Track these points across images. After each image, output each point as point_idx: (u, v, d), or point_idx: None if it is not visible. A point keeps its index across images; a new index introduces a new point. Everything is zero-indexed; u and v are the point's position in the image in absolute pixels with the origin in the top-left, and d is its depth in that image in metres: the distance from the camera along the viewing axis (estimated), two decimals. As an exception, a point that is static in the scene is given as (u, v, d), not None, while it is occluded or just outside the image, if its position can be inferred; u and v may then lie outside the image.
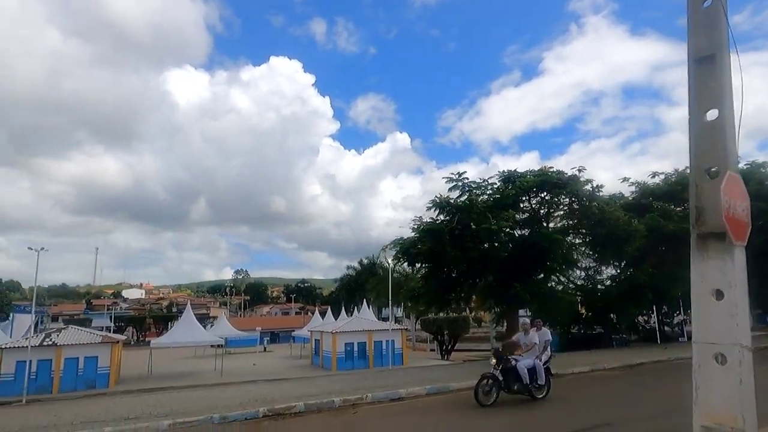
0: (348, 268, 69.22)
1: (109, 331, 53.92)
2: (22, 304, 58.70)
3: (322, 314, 48.83)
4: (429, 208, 21.49)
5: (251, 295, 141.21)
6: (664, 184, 31.01)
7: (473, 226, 19.57)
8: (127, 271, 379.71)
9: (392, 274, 33.15)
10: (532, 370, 11.20)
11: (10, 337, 28.74)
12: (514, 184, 21.91)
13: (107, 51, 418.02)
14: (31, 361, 23.18)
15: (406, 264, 22.92)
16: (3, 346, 23.98)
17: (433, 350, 44.78)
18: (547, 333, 12.23)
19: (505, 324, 25.72)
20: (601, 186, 23.35)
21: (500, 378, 10.99)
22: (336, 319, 39.84)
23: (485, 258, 20.58)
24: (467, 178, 21.68)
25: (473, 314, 58.15)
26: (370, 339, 30.23)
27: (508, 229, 21.33)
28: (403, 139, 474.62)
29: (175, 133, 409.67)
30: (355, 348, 29.95)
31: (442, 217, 21.28)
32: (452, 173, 21.61)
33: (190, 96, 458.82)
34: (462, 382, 14.28)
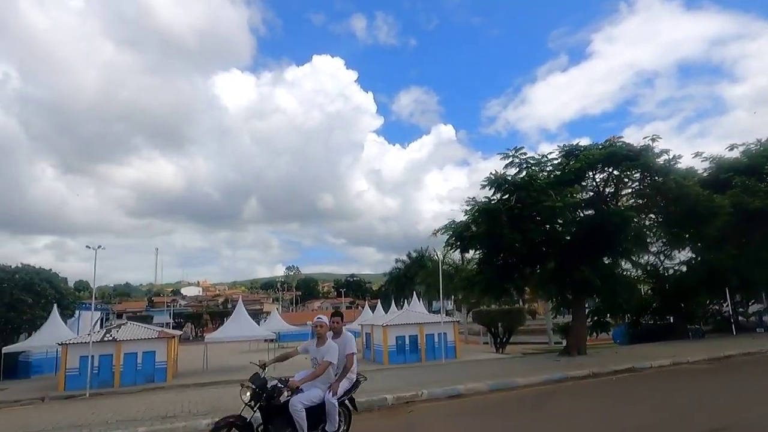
0: (396, 261, 68.59)
1: (169, 327, 56.07)
2: (87, 301, 61.70)
3: (372, 308, 48.47)
4: (483, 186, 19.66)
5: (302, 290, 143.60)
6: (744, 157, 27.85)
7: (534, 205, 17.80)
8: (186, 269, 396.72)
9: (442, 266, 32.20)
10: (316, 410, 6.57)
11: (77, 333, 29.90)
12: (577, 158, 19.73)
13: (158, 59, 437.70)
14: (93, 356, 23.94)
15: (458, 251, 21.15)
16: (67, 342, 24.85)
17: (487, 343, 43.50)
18: (350, 340, 7.38)
19: (569, 314, 23.95)
20: (679, 157, 20.34)
21: (256, 423, 6.38)
22: (386, 313, 39.24)
23: (547, 240, 18.79)
24: (525, 153, 19.61)
25: (527, 306, 56.27)
26: (422, 332, 29.43)
27: (572, 207, 19.27)
28: (447, 131, 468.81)
29: (225, 135, 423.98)
30: (407, 341, 29.23)
31: (498, 196, 19.49)
32: (508, 149, 19.69)
33: (238, 98, 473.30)
34: (529, 378, 13.08)
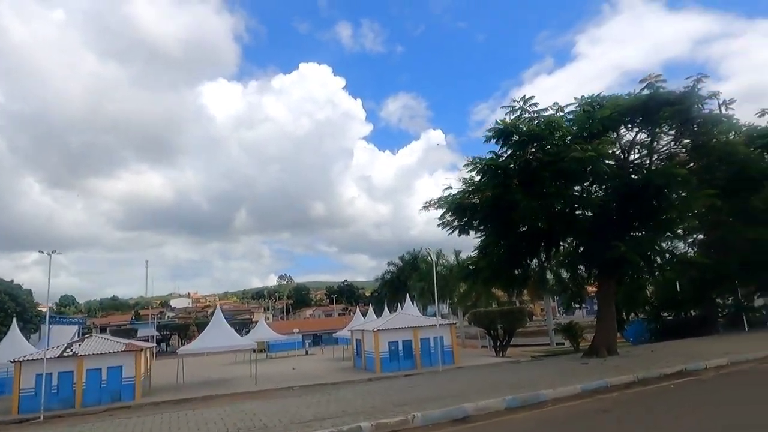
0: (389, 264, 66.22)
1: (154, 340, 53.57)
2: (65, 316, 58.72)
3: (364, 314, 46.28)
4: (488, 138, 15.58)
5: (294, 299, 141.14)
6: None
7: (555, 163, 14.06)
8: (178, 282, 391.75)
9: (436, 267, 30.11)
10: None
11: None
12: (602, 107, 15.81)
13: (143, 70, 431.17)
14: (51, 373, 21.54)
15: (456, 232, 16.87)
16: (20, 359, 22.28)
17: (485, 347, 41.33)
18: None
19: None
20: (731, 101, 16.44)
21: None
22: (379, 318, 37.03)
23: (571, 210, 15.19)
24: (536, 105, 15.55)
25: (526, 306, 54.30)
26: (416, 336, 27.43)
27: (606, 160, 15.02)
28: (436, 135, 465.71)
29: (214, 145, 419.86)
30: (400, 347, 27.22)
31: (508, 153, 15.58)
32: (515, 100, 15.76)
33: (226, 108, 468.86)
34: (558, 388, 10.20)
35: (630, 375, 11.23)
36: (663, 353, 15.74)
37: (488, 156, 15.77)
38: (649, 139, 17.03)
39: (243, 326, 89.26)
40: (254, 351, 29.63)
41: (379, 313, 43.66)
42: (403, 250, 65.27)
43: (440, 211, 16.80)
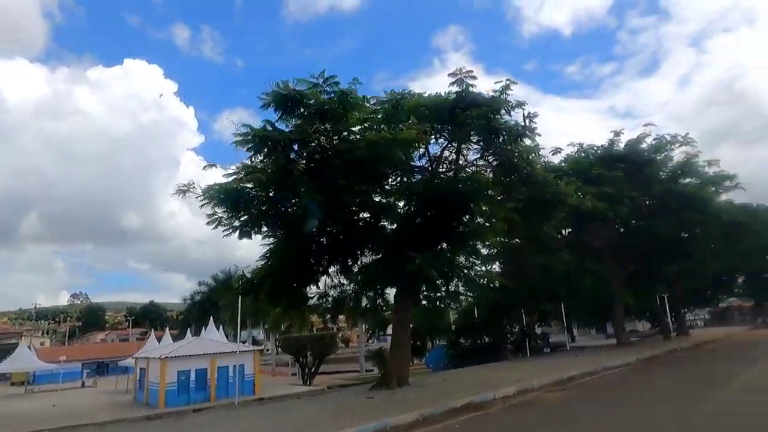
0: (200, 284, 60.27)
1: None
2: None
3: (160, 339, 40.70)
4: (265, 105, 12.95)
5: (88, 320, 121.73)
6: (564, 163, 26.92)
7: (350, 152, 12.09)
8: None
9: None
10: None
11: None
12: (410, 100, 14.48)
13: None
14: None
15: (237, 233, 13.42)
16: None
17: (295, 374, 39.40)
18: None
19: (393, 330, 17.82)
20: (535, 115, 15.70)
21: None
22: (176, 342, 32.52)
23: (378, 217, 13.72)
24: (338, 83, 13.01)
25: (341, 333, 54.19)
26: (213, 365, 24.30)
27: (408, 147, 13.19)
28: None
29: (4, 132, 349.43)
30: (192, 377, 23.78)
31: (288, 128, 13.02)
32: (313, 75, 13.22)
33: (24, 91, 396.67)
34: None
35: (415, 412, 10.05)
36: (455, 381, 15.44)
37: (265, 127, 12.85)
38: (456, 151, 16.56)
39: (7, 352, 72.54)
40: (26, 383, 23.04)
41: (183, 337, 38.84)
42: (224, 272, 59.56)
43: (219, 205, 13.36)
